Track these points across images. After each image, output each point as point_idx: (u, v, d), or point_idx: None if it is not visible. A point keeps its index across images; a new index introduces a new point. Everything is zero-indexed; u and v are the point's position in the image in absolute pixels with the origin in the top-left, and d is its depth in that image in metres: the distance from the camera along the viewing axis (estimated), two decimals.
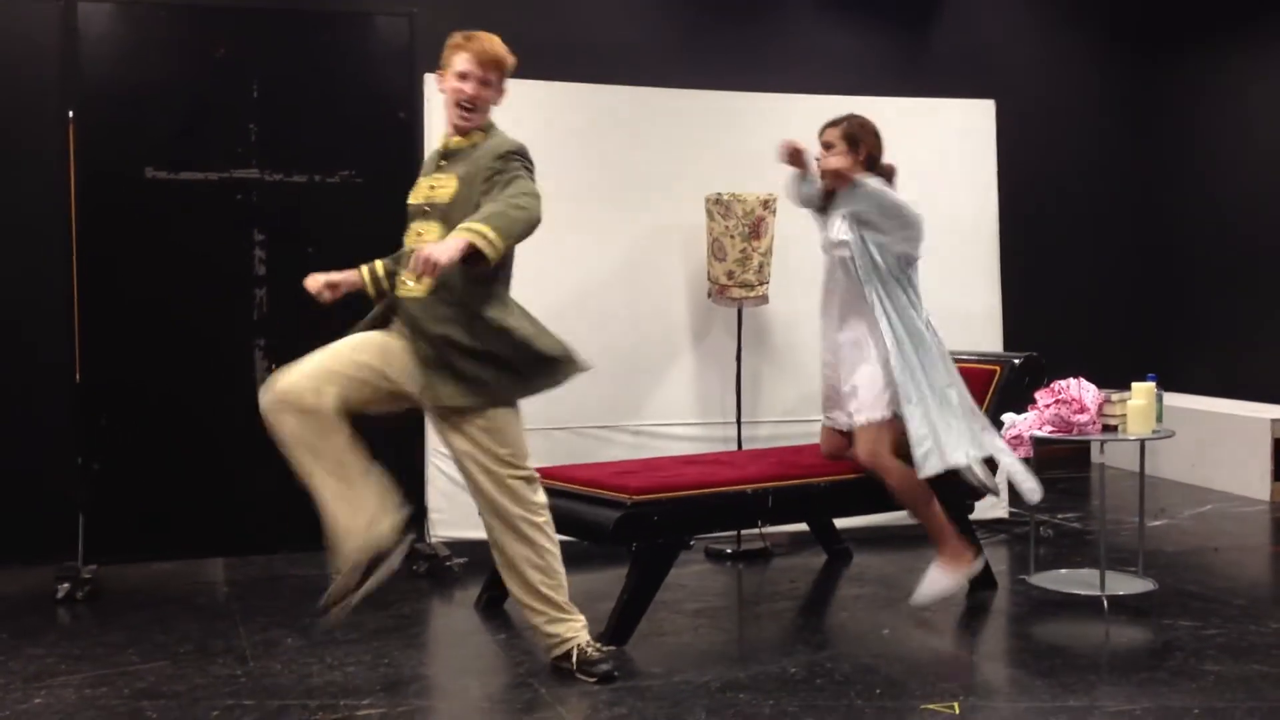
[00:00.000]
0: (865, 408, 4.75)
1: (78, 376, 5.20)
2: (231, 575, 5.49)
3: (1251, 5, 7.99)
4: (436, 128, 5.67)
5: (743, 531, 5.76)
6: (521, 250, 5.71)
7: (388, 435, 4.96)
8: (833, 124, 4.83)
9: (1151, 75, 8.66)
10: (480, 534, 5.33)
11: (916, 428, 4.63)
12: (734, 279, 5.72)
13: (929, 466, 4.63)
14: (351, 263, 5.41)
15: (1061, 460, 7.90)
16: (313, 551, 5.43)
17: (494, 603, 4.92)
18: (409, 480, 5.59)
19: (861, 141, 4.77)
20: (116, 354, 5.21)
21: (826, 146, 4.81)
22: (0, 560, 5.26)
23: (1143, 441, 4.83)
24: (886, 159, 4.86)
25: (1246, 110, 8.06)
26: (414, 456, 5.61)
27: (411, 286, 3.90)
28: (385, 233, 5.48)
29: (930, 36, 8.19)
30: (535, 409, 5.66)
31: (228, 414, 5.32)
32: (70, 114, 5.15)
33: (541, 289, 5.77)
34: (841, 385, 4.85)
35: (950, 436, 4.65)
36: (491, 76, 3.97)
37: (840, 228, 4.74)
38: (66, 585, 5.05)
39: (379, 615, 4.81)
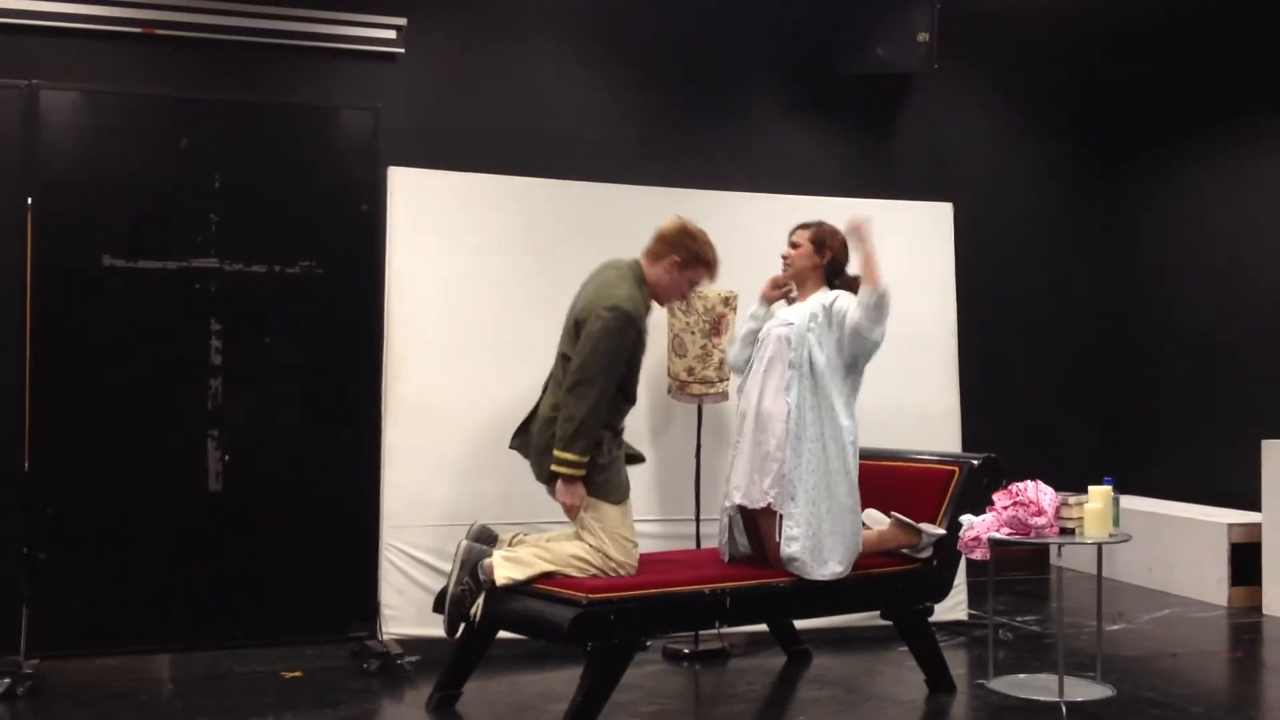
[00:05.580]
0: (750, 493, 4.81)
1: (26, 464, 5.11)
2: (176, 672, 5.35)
3: (1204, 112, 8.16)
4: (399, 220, 5.69)
5: (701, 631, 5.68)
6: (481, 346, 5.74)
7: (342, 532, 4.92)
8: (803, 226, 5.03)
9: (1108, 179, 8.80)
10: (432, 632, 5.28)
11: (790, 528, 4.68)
12: (694, 375, 5.71)
13: (793, 567, 4.69)
14: (310, 352, 5.43)
15: (1020, 562, 7.90)
16: (258, 648, 5.37)
17: (446, 702, 4.82)
18: (363, 577, 5.53)
19: (827, 245, 4.98)
20: (66, 442, 5.12)
21: (794, 246, 5.01)
22: None
23: (1100, 545, 4.82)
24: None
25: (1202, 215, 8.19)
26: (367, 552, 5.51)
27: None
28: (344, 323, 5.51)
29: (890, 140, 8.31)
30: (492, 505, 5.66)
31: (178, 506, 5.24)
32: (29, 200, 5.12)
33: (500, 385, 5.78)
34: (737, 462, 4.90)
35: (825, 551, 4.70)
36: None
37: (802, 311, 4.85)
38: (7, 680, 4.91)
39: (326, 715, 4.70)
